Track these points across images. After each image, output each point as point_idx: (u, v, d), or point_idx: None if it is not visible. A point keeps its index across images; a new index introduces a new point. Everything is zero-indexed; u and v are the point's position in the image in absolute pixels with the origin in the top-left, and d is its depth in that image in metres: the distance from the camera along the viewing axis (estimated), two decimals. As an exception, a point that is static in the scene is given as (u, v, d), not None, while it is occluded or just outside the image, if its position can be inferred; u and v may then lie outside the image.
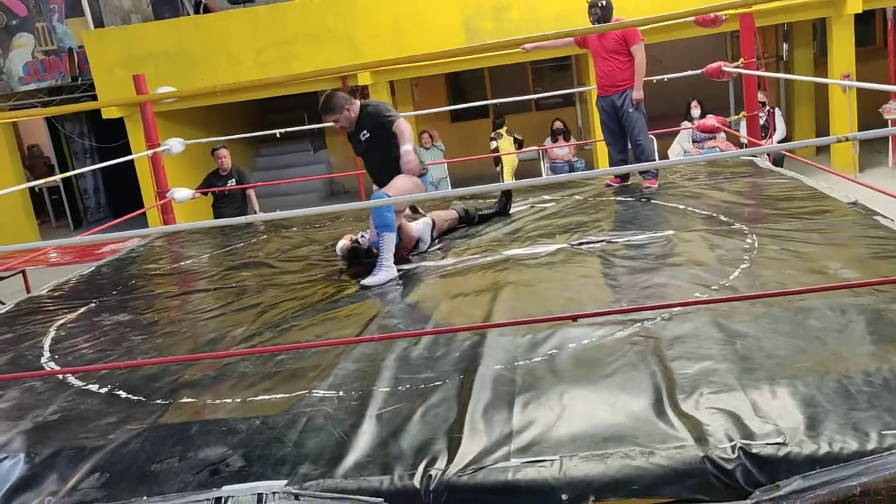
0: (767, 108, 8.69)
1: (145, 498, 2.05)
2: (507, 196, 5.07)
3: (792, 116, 11.75)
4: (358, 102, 4.19)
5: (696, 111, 9.10)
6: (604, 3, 5.11)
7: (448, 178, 10.41)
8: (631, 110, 5.22)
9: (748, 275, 3.20)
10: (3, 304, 4.89)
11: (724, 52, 12.54)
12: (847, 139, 2.29)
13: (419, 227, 4.40)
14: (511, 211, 5.07)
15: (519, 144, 10.68)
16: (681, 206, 4.60)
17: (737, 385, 2.21)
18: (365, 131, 4.16)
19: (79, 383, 2.95)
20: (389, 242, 3.96)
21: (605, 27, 5.11)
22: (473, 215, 4.92)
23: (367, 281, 3.88)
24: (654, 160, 5.64)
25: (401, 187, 4.03)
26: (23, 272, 7.74)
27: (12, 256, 7.57)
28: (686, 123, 8.80)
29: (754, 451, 1.88)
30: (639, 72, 5.15)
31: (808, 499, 1.78)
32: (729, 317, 2.71)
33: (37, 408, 2.76)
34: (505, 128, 10.85)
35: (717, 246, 3.66)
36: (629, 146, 5.48)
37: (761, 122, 7.10)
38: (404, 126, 4.01)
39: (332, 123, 4.20)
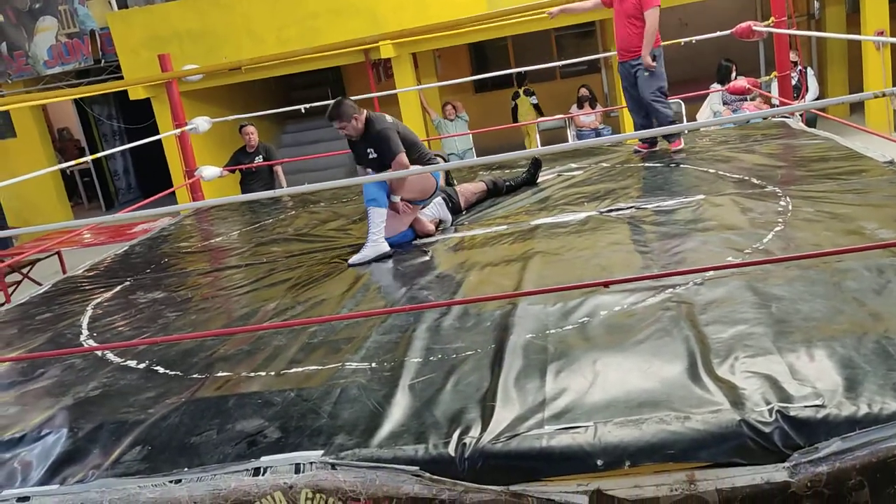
0: (799, 67, 8.48)
1: (186, 469, 2.09)
2: (535, 165, 5.04)
3: (825, 76, 11.48)
4: (365, 113, 4.18)
5: (733, 74, 8.87)
6: None
7: (473, 149, 10.36)
8: (646, 75, 5.14)
9: (782, 237, 3.15)
10: (41, 284, 4.98)
11: (753, 11, 12.27)
12: (884, 94, 2.22)
13: (432, 211, 4.38)
14: (538, 180, 5.04)
15: (538, 110, 10.84)
16: (711, 171, 4.53)
17: (773, 348, 2.18)
18: (370, 149, 4.16)
19: (117, 360, 3.00)
20: (376, 217, 3.95)
21: None
22: (501, 186, 4.90)
23: (352, 259, 3.90)
24: (673, 120, 5.52)
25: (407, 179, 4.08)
26: (58, 253, 7.89)
27: (48, 237, 7.72)
28: (715, 86, 8.61)
29: (792, 413, 1.87)
30: (646, 37, 5.04)
31: (847, 460, 1.77)
32: (763, 280, 2.67)
33: (78, 384, 2.82)
34: (524, 88, 11.03)
35: (750, 209, 3.61)
36: None
37: (793, 82, 6.94)
38: (399, 164, 4.02)
39: (339, 130, 4.22)
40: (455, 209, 4.53)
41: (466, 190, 4.72)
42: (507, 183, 4.94)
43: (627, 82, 5.32)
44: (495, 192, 4.87)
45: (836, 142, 4.75)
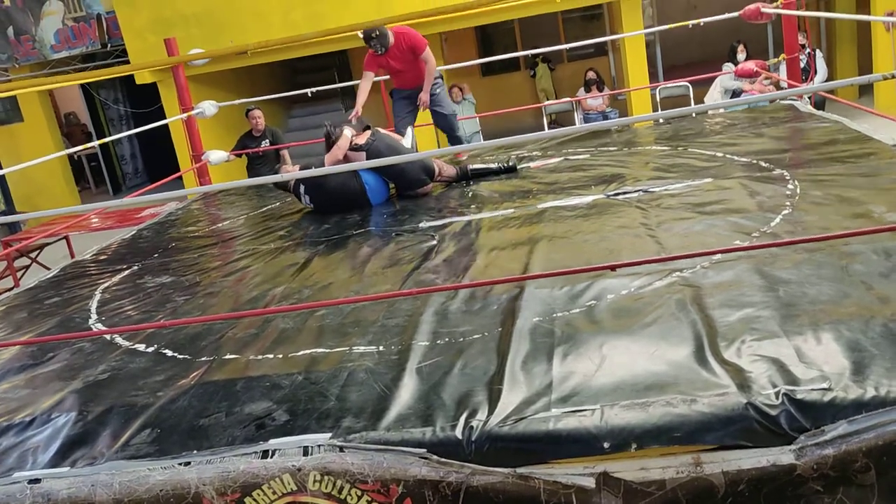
0: (808, 49, 8.40)
1: (195, 452, 2.10)
2: (510, 169, 5.10)
3: (834, 58, 11.39)
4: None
5: (741, 55, 8.80)
6: (377, 33, 5.36)
7: (480, 133, 10.33)
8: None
9: (790, 221, 3.14)
10: (49, 269, 5.01)
11: (762, -7, 12.12)
12: (893, 76, 2.20)
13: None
14: (541, 165, 5.04)
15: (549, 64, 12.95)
16: (719, 154, 4.51)
17: (780, 331, 2.18)
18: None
19: (126, 343, 3.02)
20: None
21: None
22: (468, 172, 5.08)
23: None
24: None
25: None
26: (66, 238, 7.93)
27: (56, 222, 7.75)
28: (728, 66, 8.54)
29: (798, 396, 1.86)
30: (427, 76, 5.51)
31: (853, 443, 1.77)
32: (771, 264, 2.67)
33: (87, 368, 2.84)
34: (542, 57, 12.68)
35: (758, 192, 3.59)
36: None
37: (802, 64, 6.88)
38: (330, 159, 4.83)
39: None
40: (429, 171, 4.89)
41: (444, 167, 5.05)
42: (474, 168, 5.11)
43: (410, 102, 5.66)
44: (462, 178, 5.09)
45: (844, 125, 4.71)
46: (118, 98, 14.31)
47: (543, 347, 2.34)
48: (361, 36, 5.41)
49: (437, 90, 5.69)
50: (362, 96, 5.60)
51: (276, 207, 5.32)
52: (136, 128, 10.02)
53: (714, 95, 8.77)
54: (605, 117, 10.34)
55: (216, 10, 10.32)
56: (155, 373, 2.68)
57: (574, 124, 10.52)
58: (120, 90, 14.25)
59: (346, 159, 4.85)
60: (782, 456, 1.81)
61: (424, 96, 5.49)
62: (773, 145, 4.56)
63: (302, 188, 4.80)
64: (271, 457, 2.02)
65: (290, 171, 5.08)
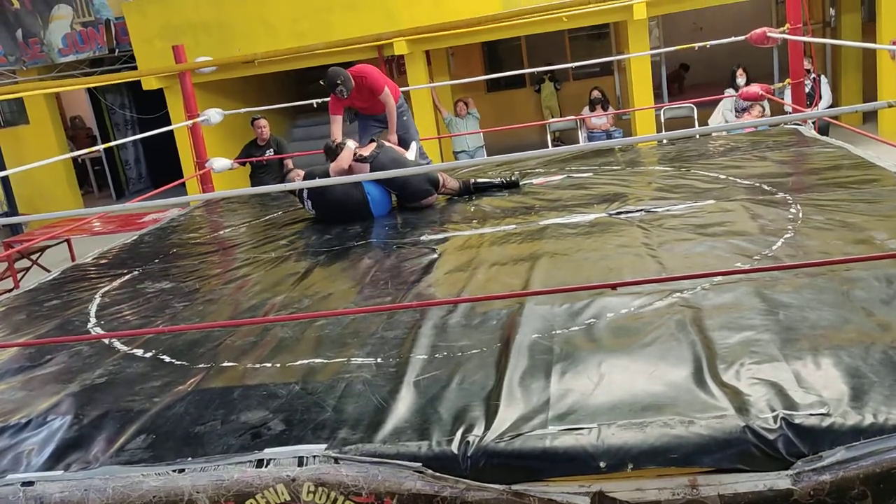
0: (813, 75, 8.45)
1: (190, 459, 2.09)
2: (511, 185, 5.09)
3: (838, 84, 11.44)
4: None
5: (741, 79, 8.86)
6: (341, 79, 5.36)
7: (484, 147, 10.36)
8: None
9: (791, 245, 3.14)
10: (50, 271, 5.01)
11: (768, 17, 12.23)
12: (898, 104, 2.21)
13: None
14: (544, 181, 5.05)
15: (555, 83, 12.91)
16: (722, 176, 4.52)
17: (779, 355, 2.17)
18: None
19: (124, 348, 3.01)
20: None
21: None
22: (470, 187, 5.08)
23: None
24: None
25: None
26: (68, 241, 7.94)
27: (58, 225, 7.76)
28: (730, 91, 8.59)
29: (797, 421, 1.86)
30: (390, 119, 5.60)
31: (851, 469, 1.76)
32: (771, 287, 2.66)
33: (84, 371, 2.83)
34: (549, 75, 12.59)
35: (760, 216, 3.60)
36: None
37: (807, 89, 6.92)
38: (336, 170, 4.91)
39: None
40: (434, 182, 4.90)
41: (447, 179, 5.04)
42: (476, 182, 5.11)
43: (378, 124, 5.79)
44: (465, 192, 5.09)
45: (848, 150, 4.72)
46: (124, 103, 14.37)
47: (542, 364, 2.33)
48: (324, 83, 5.47)
49: (404, 117, 5.75)
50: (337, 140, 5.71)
51: (277, 217, 5.33)
52: (141, 133, 10.05)
53: (717, 119, 8.81)
54: (609, 136, 10.38)
55: (225, 18, 10.38)
56: (152, 378, 2.68)
57: (578, 142, 10.55)
58: (126, 95, 14.30)
59: (350, 171, 4.87)
60: (779, 481, 1.80)
61: (393, 138, 5.56)
62: (776, 169, 4.57)
63: (305, 192, 4.83)
64: (266, 466, 2.02)
65: (297, 177, 5.11)
